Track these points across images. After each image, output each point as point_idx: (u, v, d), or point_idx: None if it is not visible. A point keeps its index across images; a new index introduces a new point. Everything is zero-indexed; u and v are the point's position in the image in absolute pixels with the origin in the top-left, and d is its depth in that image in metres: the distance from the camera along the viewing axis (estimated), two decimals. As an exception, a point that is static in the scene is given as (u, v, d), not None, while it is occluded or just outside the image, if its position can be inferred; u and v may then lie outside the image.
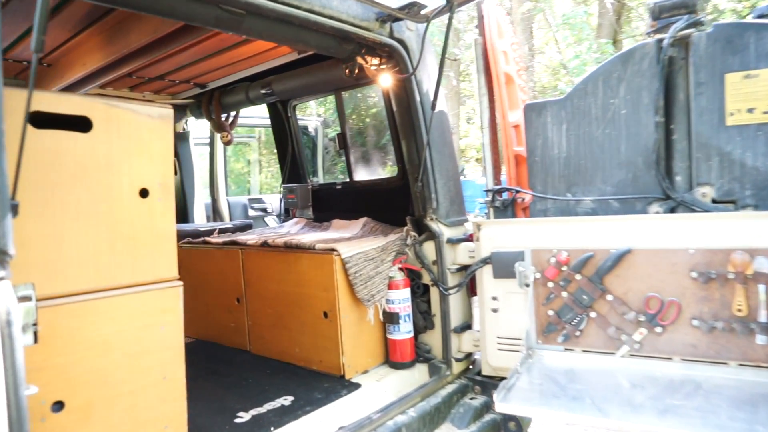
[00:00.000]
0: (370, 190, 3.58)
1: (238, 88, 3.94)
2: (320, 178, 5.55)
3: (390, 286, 2.73)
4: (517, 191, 2.74)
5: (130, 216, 1.79)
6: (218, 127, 4.19)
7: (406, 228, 2.92)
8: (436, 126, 2.80)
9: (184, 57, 3.37)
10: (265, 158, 10.67)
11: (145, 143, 1.84)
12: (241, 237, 3.33)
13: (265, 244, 2.99)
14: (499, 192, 2.79)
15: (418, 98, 2.76)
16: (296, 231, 3.73)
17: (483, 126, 2.92)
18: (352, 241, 2.86)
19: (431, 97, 2.76)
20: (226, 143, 4.21)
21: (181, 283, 1.90)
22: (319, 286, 2.66)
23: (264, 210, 5.40)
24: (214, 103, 4.11)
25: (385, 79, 2.86)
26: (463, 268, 2.79)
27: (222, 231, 3.86)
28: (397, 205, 3.37)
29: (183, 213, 4.82)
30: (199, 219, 4.87)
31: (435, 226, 2.77)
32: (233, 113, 4.35)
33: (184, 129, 4.80)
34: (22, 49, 3.01)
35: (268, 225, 5.42)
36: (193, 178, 4.84)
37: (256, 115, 5.77)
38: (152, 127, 1.85)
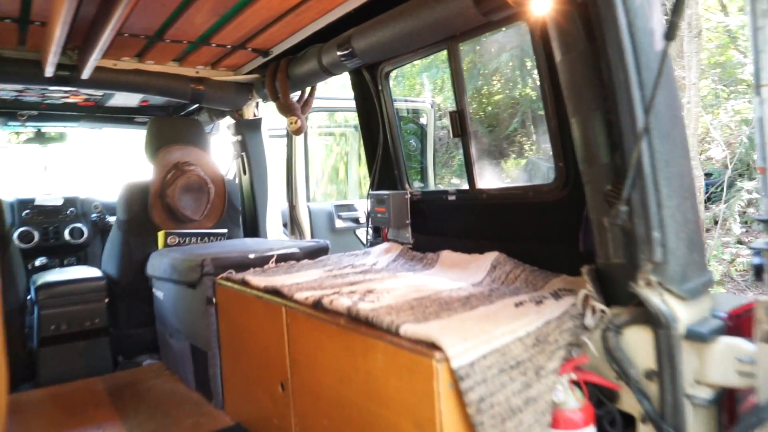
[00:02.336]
0: (505, 205, 2.15)
1: (309, 53, 2.73)
2: (430, 183, 4.20)
3: (556, 423, 1.30)
4: None
5: None
6: (286, 109, 3.01)
7: (583, 293, 1.47)
8: (664, 90, 1.30)
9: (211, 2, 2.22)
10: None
11: None
12: (289, 279, 2.10)
13: (318, 305, 1.71)
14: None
15: (622, 21, 1.28)
16: (384, 265, 2.43)
17: (759, 82, 1.37)
18: (476, 314, 1.47)
19: (652, 24, 1.28)
20: (295, 132, 3.02)
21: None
22: (406, 413, 1.32)
23: (355, 220, 4.18)
24: (280, 76, 2.93)
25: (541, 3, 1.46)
26: (724, 395, 1.29)
27: (282, 258, 2.68)
28: (553, 233, 1.93)
29: (252, 224, 3.75)
30: (273, 233, 3.77)
31: (657, 299, 1.28)
32: (307, 90, 3.16)
33: (254, 115, 3.72)
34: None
35: (359, 239, 4.18)
36: (266, 180, 3.74)
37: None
38: None
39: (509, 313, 1.47)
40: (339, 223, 4.09)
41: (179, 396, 2.77)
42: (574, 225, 1.80)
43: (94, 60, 2.49)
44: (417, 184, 3.42)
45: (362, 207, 4.23)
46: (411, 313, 1.50)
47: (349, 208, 4.20)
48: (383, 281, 2.02)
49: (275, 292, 1.98)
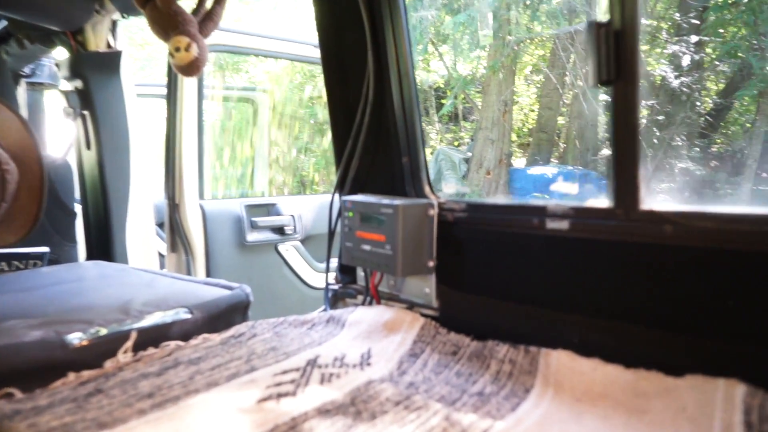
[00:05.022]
0: (755, 256, 0.86)
1: None
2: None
3: None
4: None
5: None
6: (167, 22, 1.50)
7: None
8: None
9: None
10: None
11: None
12: None
13: None
14: None
15: None
16: (393, 368, 1.07)
17: None
18: None
19: None
20: (184, 68, 1.52)
21: None
22: None
23: (279, 230, 2.72)
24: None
25: None
26: None
27: (152, 338, 1.22)
28: None
29: (101, 237, 2.17)
30: (140, 252, 2.22)
31: None
32: (211, -6, 1.68)
33: (108, 45, 2.13)
34: None
35: (288, 266, 2.72)
36: (128, 160, 2.19)
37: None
38: None
39: None
40: (253, 236, 2.60)
41: None
42: None
43: None
44: (444, 191, 2.09)
45: (290, 207, 2.77)
46: None
47: (270, 209, 2.72)
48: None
49: None
